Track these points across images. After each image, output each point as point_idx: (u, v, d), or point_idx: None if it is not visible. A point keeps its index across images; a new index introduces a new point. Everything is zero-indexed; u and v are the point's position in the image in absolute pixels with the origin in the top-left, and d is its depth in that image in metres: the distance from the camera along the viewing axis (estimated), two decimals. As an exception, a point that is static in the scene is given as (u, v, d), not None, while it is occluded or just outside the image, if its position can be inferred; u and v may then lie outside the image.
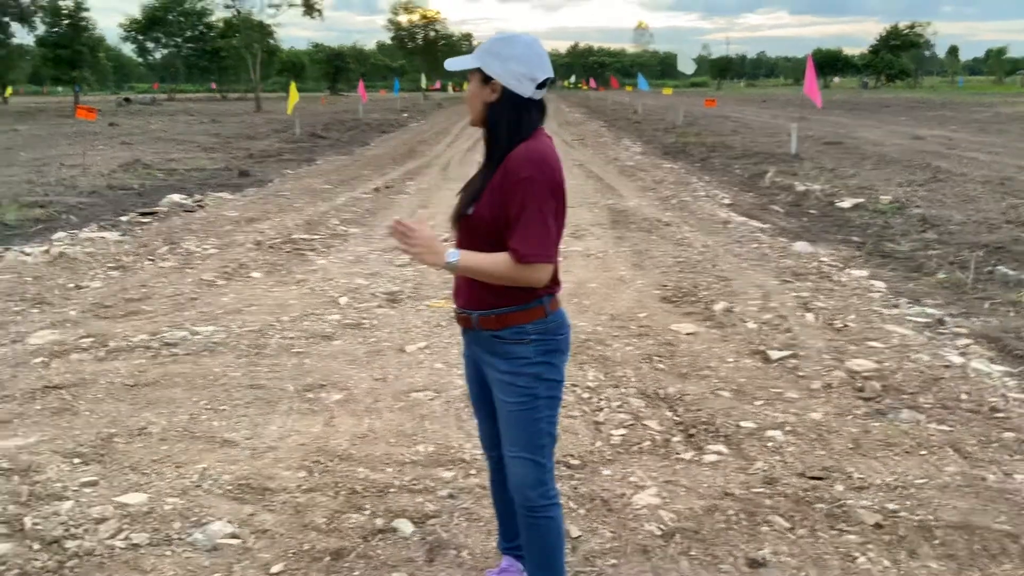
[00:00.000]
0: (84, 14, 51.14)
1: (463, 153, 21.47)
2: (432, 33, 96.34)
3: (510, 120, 2.38)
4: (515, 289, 2.40)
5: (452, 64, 2.42)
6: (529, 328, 2.46)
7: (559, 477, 3.87)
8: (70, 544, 3.26)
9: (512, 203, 2.32)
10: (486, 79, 2.39)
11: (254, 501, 3.64)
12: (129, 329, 6.13)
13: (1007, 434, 4.31)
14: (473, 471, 3.91)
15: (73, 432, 4.35)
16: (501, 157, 2.37)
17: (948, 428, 4.39)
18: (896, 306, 6.73)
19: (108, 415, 4.58)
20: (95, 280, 7.66)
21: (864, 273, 7.87)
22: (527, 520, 2.59)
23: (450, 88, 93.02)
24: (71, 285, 7.46)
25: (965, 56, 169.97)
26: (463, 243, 2.44)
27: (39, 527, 3.37)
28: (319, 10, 57.91)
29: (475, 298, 2.48)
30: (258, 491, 3.72)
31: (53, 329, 6.14)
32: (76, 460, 4.02)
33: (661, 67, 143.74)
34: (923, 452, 4.12)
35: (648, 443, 4.21)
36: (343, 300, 6.96)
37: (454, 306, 2.62)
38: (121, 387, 4.99)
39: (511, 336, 2.46)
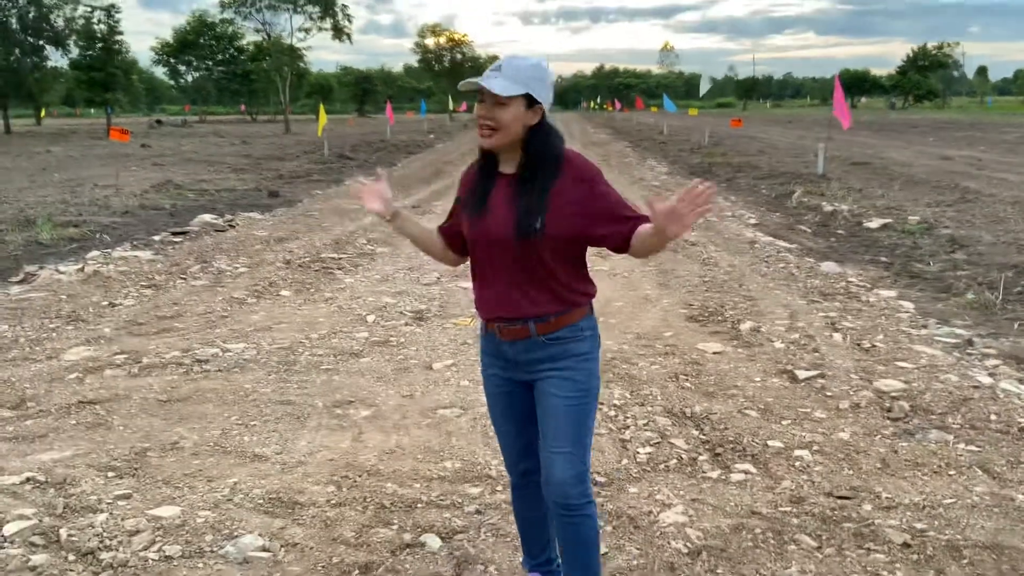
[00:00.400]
0: (117, 38, 52.08)
1: (489, 174, 21.61)
2: (459, 56, 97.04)
3: (553, 137, 2.51)
4: (571, 291, 2.57)
5: (501, 88, 2.39)
6: (583, 324, 2.61)
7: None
8: (104, 556, 3.32)
9: (596, 200, 2.48)
10: (530, 103, 2.45)
11: (284, 515, 3.69)
12: (162, 346, 6.23)
13: (1037, 455, 4.28)
14: (500, 487, 3.94)
15: (107, 446, 4.43)
16: (546, 172, 2.48)
17: (977, 448, 4.37)
18: (925, 327, 6.70)
19: (141, 430, 4.66)
20: (128, 298, 7.79)
21: (892, 294, 7.83)
22: (565, 520, 2.62)
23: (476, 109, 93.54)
24: (105, 303, 7.59)
25: (994, 76, 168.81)
26: (522, 259, 2.51)
27: (74, 539, 3.43)
28: (348, 34, 58.66)
29: (531, 306, 2.55)
30: (288, 505, 3.77)
31: (87, 346, 6.26)
32: (110, 473, 4.10)
33: (687, 88, 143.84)
34: (951, 472, 4.10)
35: (675, 461, 4.22)
36: (371, 318, 7.03)
37: (482, 322, 2.70)
38: (154, 402, 5.08)
39: (569, 334, 2.58)
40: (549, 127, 2.49)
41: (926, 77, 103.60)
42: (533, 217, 2.44)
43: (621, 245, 2.51)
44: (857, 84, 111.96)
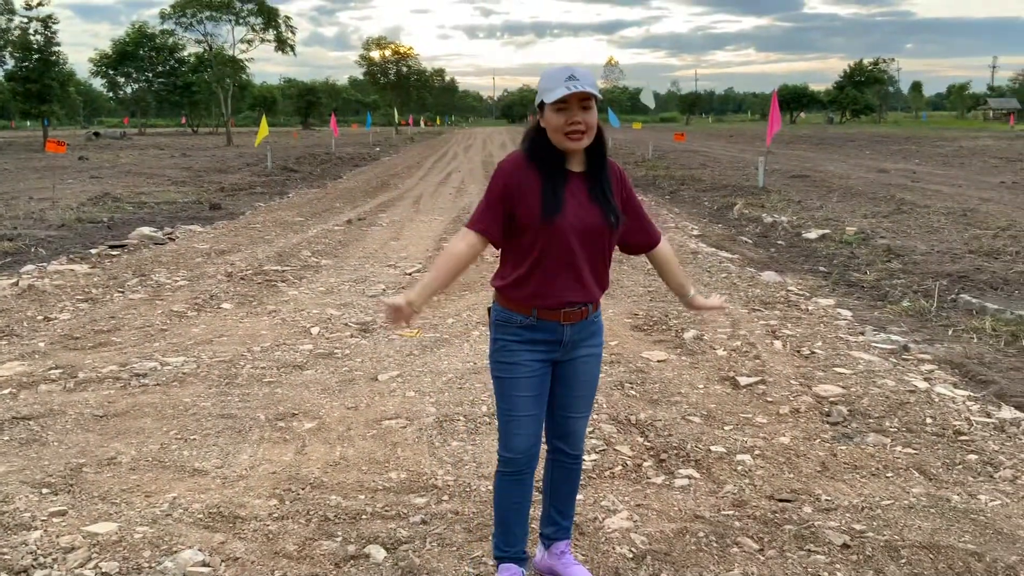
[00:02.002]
0: (54, 49, 50.91)
1: (435, 186, 21.59)
2: (404, 69, 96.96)
3: (603, 133, 2.78)
4: (608, 276, 2.93)
5: (596, 92, 2.64)
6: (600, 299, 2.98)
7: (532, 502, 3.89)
8: (38, 574, 3.22)
9: (631, 199, 2.91)
10: (598, 105, 2.71)
11: (225, 529, 3.62)
12: (98, 360, 6.09)
13: (971, 456, 4.39)
14: (446, 497, 3.92)
15: (42, 462, 4.31)
16: (607, 170, 2.82)
17: (913, 451, 4.47)
18: (862, 333, 6.85)
19: (77, 445, 4.54)
20: (64, 312, 7.60)
21: (831, 302, 8.00)
22: (574, 468, 3.15)
23: (422, 122, 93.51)
24: (40, 317, 7.39)
25: (928, 92, 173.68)
26: (599, 248, 2.81)
27: (7, 557, 3.32)
28: (292, 46, 58.24)
29: (600, 286, 2.89)
30: (229, 519, 3.70)
31: (21, 361, 6.08)
32: (45, 490, 3.98)
33: (631, 102, 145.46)
34: (889, 474, 4.19)
35: (620, 468, 4.24)
36: (315, 330, 6.96)
37: (514, 313, 2.85)
38: (90, 418, 4.95)
39: (599, 313, 2.99)
40: (601, 127, 2.75)
41: (863, 92, 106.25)
42: (614, 209, 2.79)
43: (638, 251, 3.01)
44: (796, 99, 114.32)
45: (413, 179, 24.48)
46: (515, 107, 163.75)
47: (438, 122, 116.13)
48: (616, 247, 2.94)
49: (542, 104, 2.69)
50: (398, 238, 12.36)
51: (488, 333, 3.02)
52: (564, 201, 2.71)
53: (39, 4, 49.70)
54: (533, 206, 2.71)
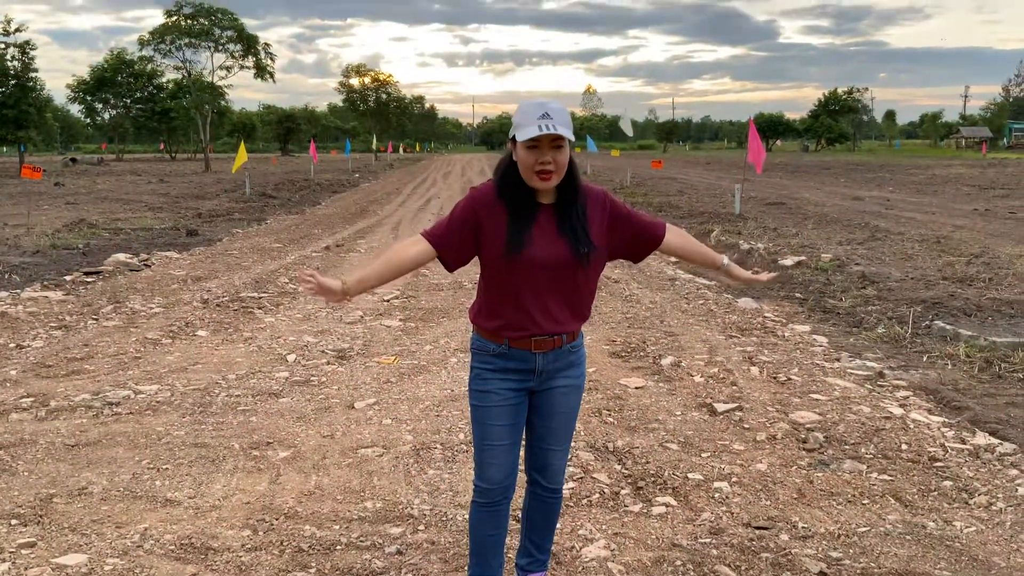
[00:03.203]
0: (32, 75, 50.69)
1: (414, 212, 21.59)
2: (384, 96, 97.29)
3: (577, 169, 2.78)
4: (589, 305, 2.93)
5: (569, 133, 2.63)
6: (582, 330, 2.99)
7: (510, 531, 3.86)
8: (3, 608, 3.16)
9: (621, 217, 2.87)
10: (568, 144, 2.70)
11: (197, 561, 3.56)
12: (71, 388, 6.01)
13: (945, 483, 4.41)
14: (421, 527, 3.89)
15: (11, 493, 4.23)
16: (580, 200, 2.78)
17: (889, 477, 4.48)
18: (838, 360, 6.89)
19: (48, 475, 4.47)
20: (37, 339, 7.51)
21: (807, 328, 8.04)
22: (551, 500, 3.11)
23: (401, 149, 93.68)
24: (12, 345, 7.29)
25: (902, 120, 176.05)
26: (569, 280, 2.79)
27: (-29, 591, 3.26)
28: (270, 72, 58.26)
29: (575, 317, 2.88)
30: (201, 551, 3.64)
31: (-9, 389, 5.99)
32: (14, 521, 3.91)
33: (610, 130, 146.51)
34: (865, 501, 4.20)
35: (597, 496, 4.22)
36: (291, 357, 6.91)
37: (489, 342, 2.86)
38: (62, 447, 4.88)
39: (579, 342, 2.97)
40: (573, 161, 2.75)
41: (837, 121, 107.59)
42: (585, 242, 2.76)
43: (648, 254, 3.00)
44: (772, 127, 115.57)
45: (392, 205, 24.48)
46: (494, 134, 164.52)
47: (417, 149, 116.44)
48: (629, 261, 2.99)
49: (515, 137, 2.68)
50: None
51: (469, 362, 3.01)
52: (530, 236, 2.72)
53: (17, 30, 49.58)
54: (498, 241, 2.72)
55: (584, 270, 2.79)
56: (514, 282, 2.76)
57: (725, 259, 3.18)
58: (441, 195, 28.65)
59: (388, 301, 9.41)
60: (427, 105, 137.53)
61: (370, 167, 55.97)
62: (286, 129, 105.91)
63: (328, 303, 2.68)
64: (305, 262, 12.48)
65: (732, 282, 3.20)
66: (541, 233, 2.74)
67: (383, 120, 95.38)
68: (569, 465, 4.58)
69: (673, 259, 12.78)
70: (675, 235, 3.03)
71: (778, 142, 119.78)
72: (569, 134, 2.63)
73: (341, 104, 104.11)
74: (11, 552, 3.62)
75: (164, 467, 4.59)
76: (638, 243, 2.94)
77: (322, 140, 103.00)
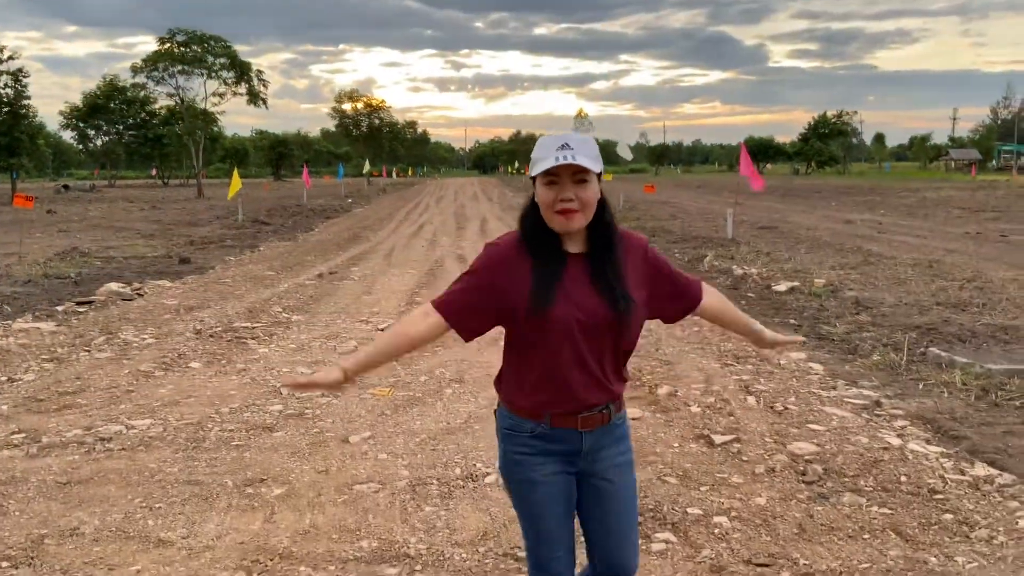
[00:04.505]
0: (25, 102, 50.71)
1: (407, 239, 21.59)
2: (377, 121, 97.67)
3: (610, 210, 2.47)
4: (626, 369, 2.57)
5: (593, 163, 2.33)
6: (624, 399, 2.62)
7: (508, 570, 3.82)
8: (-7, 657, 3.10)
9: (662, 272, 2.57)
10: (597, 177, 2.40)
11: (190, 604, 3.51)
12: (62, 424, 5.95)
13: (946, 515, 4.38)
14: (419, 567, 3.84)
15: (2, 534, 4.18)
16: (615, 247, 2.45)
17: (889, 511, 4.45)
18: (834, 388, 6.87)
19: (39, 515, 4.41)
20: (28, 372, 7.44)
21: (802, 356, 8.03)
22: None
23: (394, 174, 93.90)
24: (3, 378, 7.23)
25: (891, 143, 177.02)
26: (608, 341, 2.44)
27: (-40, 639, 3.20)
28: (263, 99, 58.46)
29: (612, 388, 2.50)
30: (195, 594, 3.59)
31: (-19, 425, 5.93)
32: (4, 564, 3.86)
33: (602, 154, 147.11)
34: (866, 536, 4.16)
35: (595, 533, 4.18)
36: (285, 390, 6.86)
37: (527, 421, 2.48)
38: (53, 485, 4.82)
39: (624, 412, 2.61)
40: (605, 200, 2.44)
41: (827, 144, 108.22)
42: (623, 295, 2.40)
43: (680, 318, 2.69)
44: (762, 151, 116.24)
45: (385, 231, 24.48)
46: (486, 158, 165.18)
47: (410, 173, 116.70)
48: (660, 320, 2.68)
49: (536, 178, 2.38)
50: (370, 292, 12.29)
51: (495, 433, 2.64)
52: (560, 290, 2.37)
53: (10, 58, 49.62)
54: (523, 301, 2.37)
55: (622, 328, 2.42)
56: (547, 346, 2.39)
57: (757, 324, 2.89)
58: (434, 220, 28.68)
59: (382, 330, 9.37)
60: (419, 130, 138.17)
61: (363, 192, 56.03)
62: (278, 154, 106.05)
63: (327, 392, 2.35)
64: (298, 290, 12.44)
65: (761, 347, 2.98)
66: (572, 288, 2.38)
67: (376, 145, 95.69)
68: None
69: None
70: (713, 298, 2.74)
71: (768, 166, 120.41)
72: (594, 165, 2.32)
73: (334, 129, 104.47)
74: (1, 596, 3.56)
75: (157, 506, 4.53)
76: (674, 303, 2.62)
77: (315, 165, 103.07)
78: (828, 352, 8.27)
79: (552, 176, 2.32)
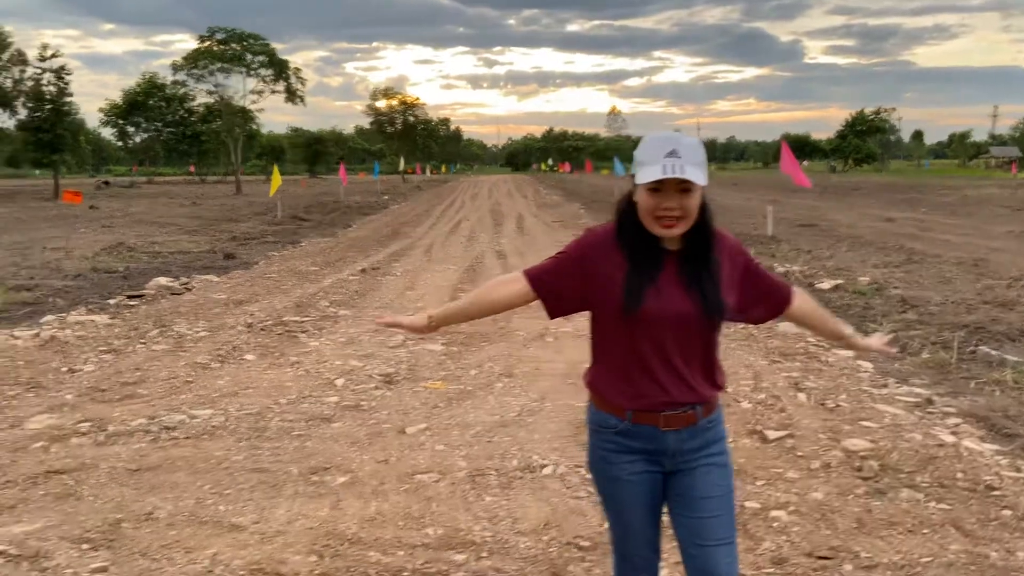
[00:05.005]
0: (67, 99, 51.60)
1: (445, 235, 21.72)
2: (412, 118, 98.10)
3: (710, 212, 2.43)
4: (720, 370, 2.53)
5: (700, 177, 2.29)
6: (720, 404, 2.59)
7: (571, 559, 3.90)
8: (85, 632, 3.23)
9: (756, 277, 2.55)
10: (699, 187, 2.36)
11: (267, 586, 3.62)
12: (127, 413, 6.12)
13: (1005, 511, 4.39)
14: (484, 553, 3.93)
15: (79, 517, 4.33)
16: (711, 248, 2.42)
17: (947, 507, 4.47)
18: (885, 386, 6.86)
19: (113, 500, 4.56)
20: (88, 364, 7.65)
21: (850, 353, 8.01)
22: None
23: (428, 171, 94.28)
24: (64, 369, 7.44)
25: (929, 140, 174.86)
26: (698, 340, 2.43)
27: (52, 615, 3.34)
28: (301, 96, 59.05)
29: (701, 388, 2.46)
30: (271, 576, 3.71)
31: (50, 413, 6.12)
32: (85, 546, 4.00)
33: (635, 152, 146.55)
34: (925, 531, 4.19)
35: (656, 524, 4.24)
36: (339, 382, 6.99)
37: (611, 416, 2.49)
38: (123, 471, 4.97)
39: (718, 416, 2.55)
40: (706, 202, 2.40)
41: (865, 141, 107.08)
42: (715, 297, 2.38)
43: (767, 319, 2.65)
44: (799, 148, 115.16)
45: (423, 228, 24.64)
46: (519, 155, 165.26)
47: (443, 170, 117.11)
48: (747, 323, 2.67)
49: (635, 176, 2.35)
50: (413, 287, 12.42)
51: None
52: (653, 289, 2.36)
53: (53, 56, 50.54)
54: (614, 294, 2.38)
55: (711, 328, 2.44)
56: (635, 343, 2.39)
57: (848, 328, 2.83)
58: (471, 217, 28.82)
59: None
60: (452, 127, 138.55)
61: (398, 189, 56.39)
62: (314, 152, 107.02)
63: (408, 336, 2.43)
64: (343, 285, 12.60)
65: (852, 351, 2.90)
66: (665, 286, 2.37)
67: (410, 142, 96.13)
68: (625, 492, 4.61)
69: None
70: (802, 301, 2.68)
71: (805, 163, 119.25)
72: (701, 177, 2.28)
73: (368, 126, 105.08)
74: (85, 576, 3.70)
75: (226, 492, 4.67)
76: (762, 304, 2.58)
77: (349, 162, 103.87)
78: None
79: (656, 184, 2.28)
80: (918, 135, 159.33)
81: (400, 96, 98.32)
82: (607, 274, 2.40)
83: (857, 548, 3.98)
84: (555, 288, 2.49)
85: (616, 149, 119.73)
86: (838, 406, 6.21)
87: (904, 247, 16.74)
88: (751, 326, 9.12)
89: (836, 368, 7.38)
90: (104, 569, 3.77)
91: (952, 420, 5.98)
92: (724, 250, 2.47)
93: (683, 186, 2.28)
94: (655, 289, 2.36)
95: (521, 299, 2.52)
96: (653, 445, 2.45)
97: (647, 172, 2.27)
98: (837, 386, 6.78)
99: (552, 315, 2.55)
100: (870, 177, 76.86)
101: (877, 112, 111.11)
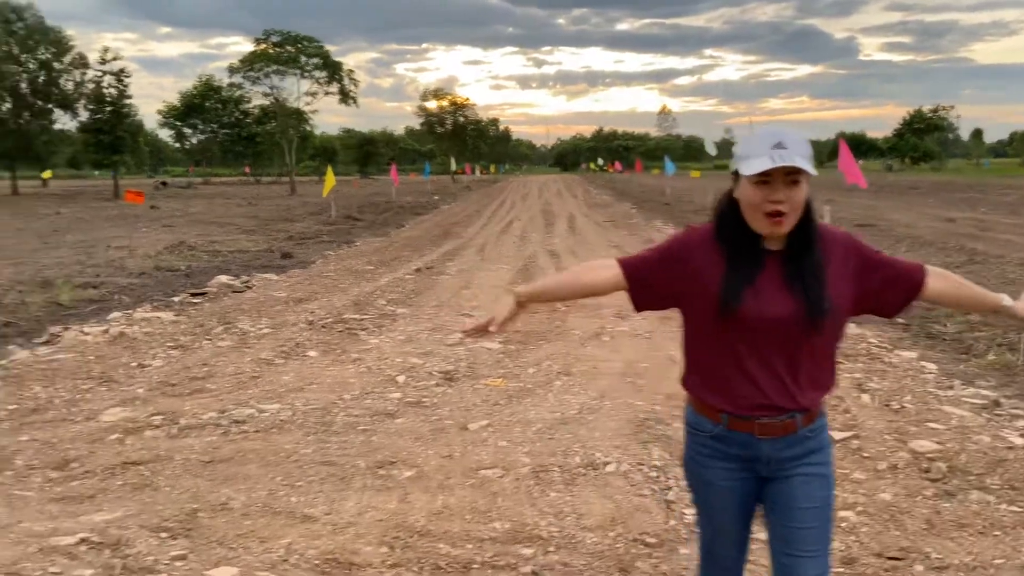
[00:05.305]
0: (126, 101, 52.87)
1: (497, 235, 21.83)
2: (461, 118, 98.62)
3: (814, 209, 2.32)
4: (831, 375, 2.41)
5: (810, 166, 2.19)
6: (824, 411, 2.45)
7: (639, 555, 3.93)
8: (169, 616, 3.35)
9: (870, 264, 2.37)
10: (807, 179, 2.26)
11: (341, 576, 3.71)
12: (197, 407, 6.29)
13: (1080, 516, 4.32)
14: (552, 548, 3.98)
15: (156, 507, 4.47)
16: (816, 247, 2.30)
17: (1019, 509, 4.40)
18: (950, 388, 6.76)
19: (188, 490, 4.70)
20: (156, 359, 7.86)
21: (914, 355, 7.91)
22: None
23: (478, 171, 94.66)
24: (134, 364, 7.66)
25: (989, 139, 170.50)
26: (802, 344, 2.30)
27: (138, 599, 3.46)
28: (354, 98, 59.77)
29: (802, 396, 2.34)
30: (344, 566, 3.80)
31: (123, 407, 6.31)
32: (163, 534, 4.13)
33: (685, 150, 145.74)
34: (997, 533, 4.14)
35: (722, 522, 4.25)
36: (401, 378, 7.09)
37: (706, 419, 2.42)
38: (197, 463, 5.12)
39: (821, 424, 2.41)
40: (810, 201, 2.29)
41: (922, 139, 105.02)
42: (819, 299, 2.25)
43: (903, 308, 2.45)
44: (854, 146, 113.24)
45: (474, 228, 24.78)
46: (568, 155, 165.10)
47: (492, 170, 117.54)
48: (879, 316, 2.48)
49: (737, 171, 2.26)
50: (468, 287, 12.52)
51: None
52: (751, 289, 2.27)
53: (113, 59, 51.83)
54: (711, 294, 2.30)
55: (820, 333, 2.29)
56: (732, 346, 2.31)
57: (1006, 298, 2.53)
58: (522, 217, 28.89)
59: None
60: (501, 127, 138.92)
61: (448, 189, 56.73)
62: (365, 152, 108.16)
63: (501, 331, 2.36)
64: (399, 284, 12.75)
65: (1016, 322, 2.51)
66: (765, 287, 2.27)
67: (460, 142, 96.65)
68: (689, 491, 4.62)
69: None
70: (938, 279, 2.44)
71: (860, 162, 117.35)
72: (810, 167, 2.18)
73: (419, 127, 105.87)
74: (165, 564, 3.83)
75: (297, 484, 4.78)
76: (890, 293, 2.39)
77: (400, 162, 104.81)
78: (941, 351, 8.13)
79: (763, 176, 2.18)
80: (977, 133, 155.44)
81: (450, 97, 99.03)
82: (705, 273, 2.32)
83: (928, 549, 3.94)
84: (648, 280, 2.42)
85: (666, 149, 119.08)
86: (903, 407, 6.14)
87: (965, 247, 16.41)
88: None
89: (900, 369, 7.29)
90: (183, 557, 3.89)
91: (1021, 423, 5.87)
92: (831, 247, 2.34)
93: (792, 177, 2.18)
94: (754, 290, 2.27)
95: (611, 286, 2.45)
96: (748, 452, 2.37)
97: (753, 164, 2.17)
98: (901, 387, 6.69)
99: (638, 308, 2.49)
100: (927, 176, 75.35)
101: (935, 110, 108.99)
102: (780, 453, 2.35)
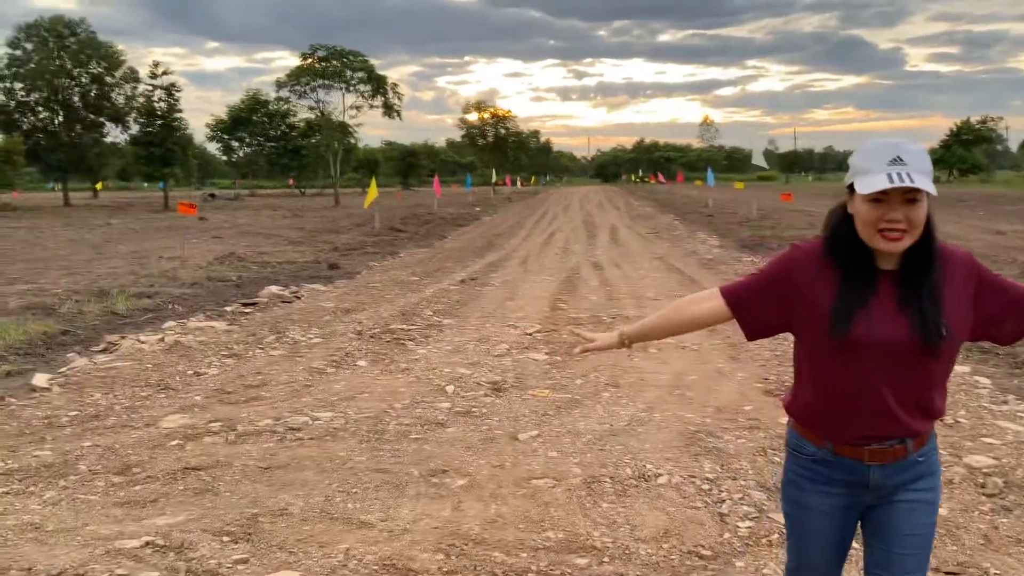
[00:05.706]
0: (177, 115, 53.91)
1: (539, 247, 21.89)
2: (502, 130, 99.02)
3: (934, 227, 2.22)
4: (942, 399, 2.32)
5: (930, 186, 2.09)
6: (935, 432, 2.37)
7: (693, 567, 3.95)
8: (235, 617, 3.44)
9: (991, 288, 2.25)
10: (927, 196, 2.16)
11: (399, 581, 3.78)
12: (253, 414, 6.42)
13: None
14: (606, 558, 4.01)
15: (217, 511, 4.58)
16: (934, 268, 2.21)
17: (1079, 526, 4.35)
18: (1005, 403, 6.68)
19: (248, 496, 4.81)
20: (212, 367, 8.03)
21: (966, 369, 7.81)
22: None
23: (518, 183, 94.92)
24: (190, 372, 7.83)
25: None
26: (916, 368, 2.22)
27: (204, 600, 3.56)
28: (398, 111, 60.36)
29: (913, 421, 2.27)
30: (402, 571, 3.87)
31: (182, 414, 6.47)
32: (225, 538, 4.24)
33: (728, 162, 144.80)
34: (1057, 550, 4.09)
35: (777, 535, 4.25)
36: (450, 388, 7.17)
37: (808, 443, 2.37)
38: (255, 469, 5.24)
39: (931, 448, 2.35)
40: (931, 218, 2.18)
41: (970, 151, 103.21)
42: (939, 322, 2.16)
43: (1019, 338, 2.31)
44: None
45: (516, 239, 24.87)
46: (609, 167, 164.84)
47: (533, 182, 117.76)
48: (993, 343, 2.35)
49: (852, 185, 2.18)
50: (513, 298, 12.59)
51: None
52: (864, 312, 2.19)
53: (164, 73, 52.92)
54: (820, 315, 2.22)
55: (935, 359, 2.21)
56: (840, 369, 2.23)
57: None
58: (564, 228, 28.93)
59: (531, 335, 9.61)
60: (542, 139, 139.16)
61: (490, 201, 56.94)
62: (407, 164, 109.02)
63: (595, 353, 2.39)
64: (444, 295, 12.87)
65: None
66: (878, 309, 2.19)
67: (501, 154, 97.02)
68: (742, 504, 4.64)
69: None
70: None
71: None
72: (930, 185, 2.08)
73: (460, 139, 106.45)
74: (228, 568, 3.93)
75: (353, 491, 4.87)
76: (1012, 320, 2.26)
77: (441, 174, 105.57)
78: (994, 366, 8.02)
79: (880, 195, 2.11)
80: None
81: (491, 109, 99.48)
82: (814, 294, 2.25)
83: (986, 564, 3.92)
84: (754, 307, 2.37)
85: (708, 160, 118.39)
86: (957, 422, 6.08)
87: (1017, 260, 16.12)
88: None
89: (952, 384, 7.20)
90: (245, 560, 3.99)
91: (1079, 439, 5.79)
92: (951, 267, 2.23)
93: (910, 196, 2.10)
94: (866, 312, 2.19)
95: (716, 318, 2.43)
96: (855, 478, 2.30)
97: (870, 181, 2.09)
98: (955, 402, 6.62)
99: (751, 337, 2.43)
100: (975, 188, 74.01)
101: (983, 121, 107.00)
102: (890, 479, 2.29)
